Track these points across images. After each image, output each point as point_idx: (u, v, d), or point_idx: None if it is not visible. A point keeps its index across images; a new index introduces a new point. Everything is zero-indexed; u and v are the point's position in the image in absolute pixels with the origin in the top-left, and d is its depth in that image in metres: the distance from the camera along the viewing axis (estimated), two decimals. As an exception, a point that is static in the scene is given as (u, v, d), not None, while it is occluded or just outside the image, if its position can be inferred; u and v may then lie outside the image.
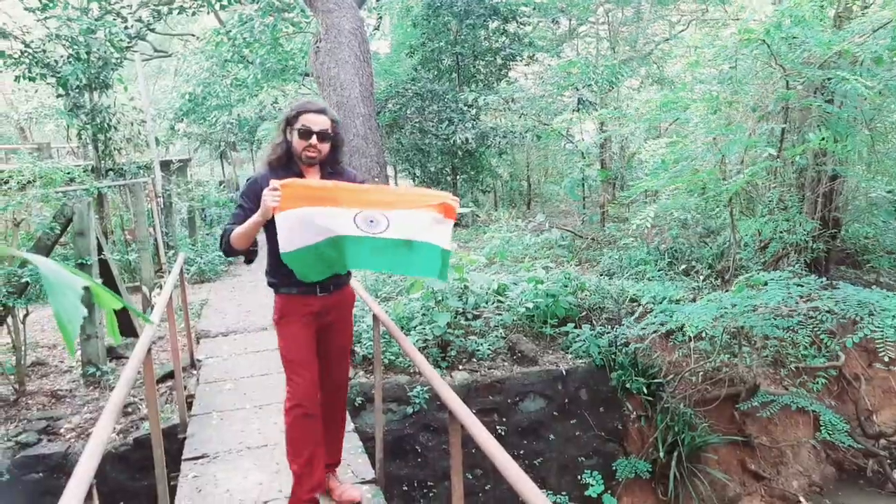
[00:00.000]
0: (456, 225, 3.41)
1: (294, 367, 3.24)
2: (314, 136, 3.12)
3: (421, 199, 3.05)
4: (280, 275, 3.17)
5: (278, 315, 3.29)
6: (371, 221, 2.98)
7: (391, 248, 3.01)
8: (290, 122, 3.18)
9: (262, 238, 3.14)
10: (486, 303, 7.25)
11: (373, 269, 3.42)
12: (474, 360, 6.28)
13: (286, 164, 3.20)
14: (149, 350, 3.32)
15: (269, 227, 2.99)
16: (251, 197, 3.10)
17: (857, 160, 8.36)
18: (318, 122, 3.14)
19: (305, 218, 2.91)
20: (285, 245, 2.93)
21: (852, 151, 7.12)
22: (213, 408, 4.94)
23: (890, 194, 9.73)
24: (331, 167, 3.28)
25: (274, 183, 2.90)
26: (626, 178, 13.67)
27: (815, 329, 5.99)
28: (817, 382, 7.14)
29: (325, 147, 3.19)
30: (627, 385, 6.45)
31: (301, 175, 3.18)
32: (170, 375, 5.59)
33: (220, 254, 11.13)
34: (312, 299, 3.23)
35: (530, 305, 6.77)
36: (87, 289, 1.09)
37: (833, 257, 9.17)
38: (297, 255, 2.97)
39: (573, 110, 12.39)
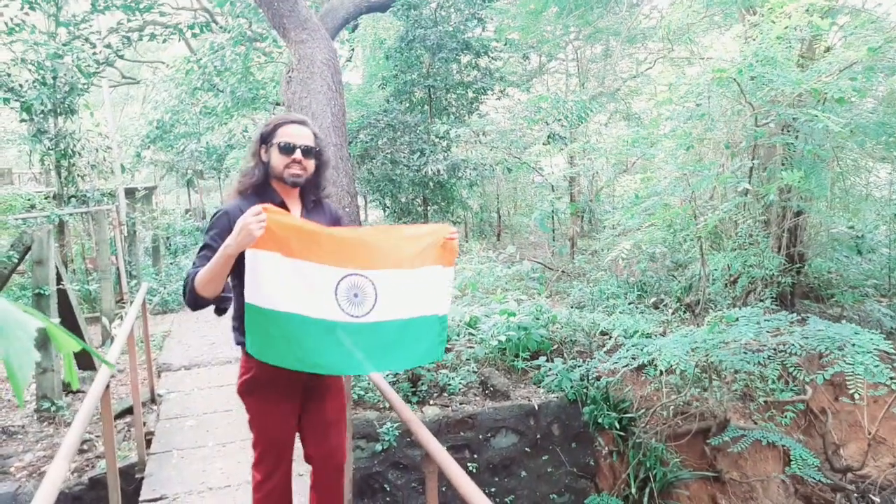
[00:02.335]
0: None
1: (267, 447, 2.67)
2: (298, 151, 2.61)
3: (416, 248, 2.60)
4: None
5: (247, 386, 2.61)
6: (355, 296, 2.48)
7: (378, 338, 2.51)
8: (265, 139, 2.66)
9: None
10: (458, 335, 7.17)
11: (354, 373, 2.83)
12: (445, 394, 6.18)
13: (262, 190, 2.65)
14: (107, 385, 3.17)
15: (240, 263, 2.36)
16: (221, 235, 2.43)
17: (820, 197, 8.55)
18: (301, 136, 2.64)
19: (280, 270, 2.38)
20: (252, 295, 2.35)
21: (816, 188, 7.27)
22: (173, 446, 4.75)
23: (851, 230, 9.96)
24: (314, 195, 2.76)
25: (256, 207, 2.30)
26: (595, 211, 13.81)
27: (784, 363, 6.03)
28: (785, 416, 7.17)
29: (311, 164, 2.67)
30: (599, 420, 6.39)
31: (282, 203, 2.63)
32: (129, 411, 5.38)
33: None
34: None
35: (502, 338, 6.71)
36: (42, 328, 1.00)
37: (798, 291, 9.30)
38: (262, 315, 2.37)
39: (543, 143, 12.51)
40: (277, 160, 2.61)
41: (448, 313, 2.72)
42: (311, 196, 2.76)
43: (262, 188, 2.65)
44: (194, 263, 2.48)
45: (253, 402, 2.63)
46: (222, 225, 2.51)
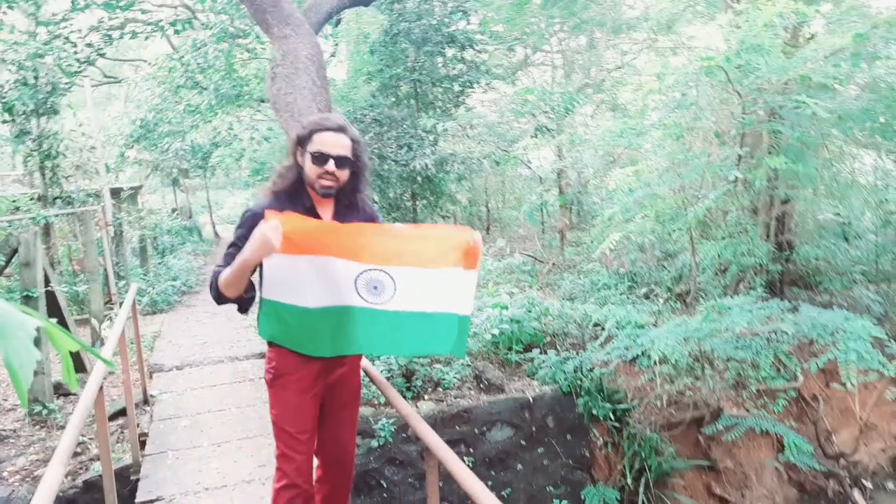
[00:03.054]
0: None
1: (288, 441, 2.66)
2: (331, 162, 2.55)
3: (438, 250, 2.60)
4: None
5: (271, 375, 2.69)
6: (375, 288, 2.52)
7: (396, 324, 2.56)
8: (301, 142, 2.61)
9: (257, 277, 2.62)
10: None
11: (372, 353, 2.84)
12: (440, 389, 6.16)
13: (295, 193, 2.64)
14: (101, 388, 3.13)
15: (261, 265, 2.47)
16: (248, 235, 2.45)
17: (807, 184, 8.59)
18: (337, 145, 2.56)
19: (297, 269, 2.44)
20: (269, 291, 2.47)
21: (804, 176, 7.30)
22: (168, 446, 4.71)
23: (837, 217, 10.02)
24: (348, 199, 2.73)
25: (270, 216, 2.34)
26: (584, 203, 13.83)
27: (776, 350, 6.06)
28: (777, 404, 7.21)
29: (345, 174, 2.61)
30: (594, 411, 6.40)
31: (312, 208, 2.64)
32: (122, 413, 5.33)
33: (173, 283, 10.88)
34: (315, 357, 2.66)
35: (496, 332, 6.69)
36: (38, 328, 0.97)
37: (787, 279, 9.35)
38: (276, 308, 2.50)
39: (531, 136, 12.51)
40: (310, 168, 2.57)
41: (470, 315, 2.72)
42: (345, 201, 2.73)
43: (294, 191, 2.64)
44: (221, 262, 2.55)
45: (274, 393, 2.69)
46: (250, 225, 2.49)
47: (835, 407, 8.05)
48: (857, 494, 7.17)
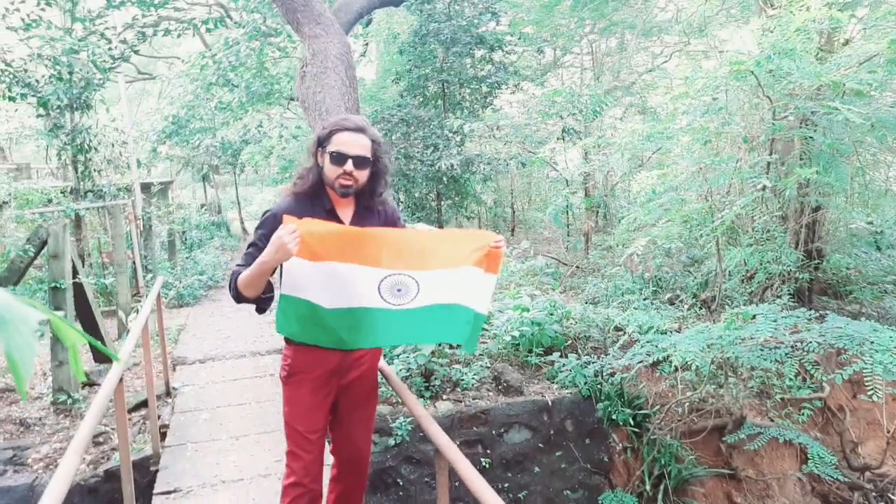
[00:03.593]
0: None
1: (298, 440, 2.69)
2: (349, 162, 2.55)
3: (461, 252, 2.61)
4: None
5: (286, 372, 2.72)
6: (398, 291, 2.53)
7: (416, 318, 2.56)
8: (321, 143, 2.62)
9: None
10: (471, 331, 7.13)
11: (390, 345, 2.82)
12: (458, 389, 6.16)
13: (315, 195, 2.64)
14: (121, 379, 3.18)
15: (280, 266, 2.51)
16: (268, 236, 2.47)
17: (839, 192, 8.44)
18: (356, 145, 2.57)
19: (317, 274, 2.45)
20: (287, 288, 2.48)
21: (835, 183, 7.17)
22: (187, 439, 4.78)
23: (870, 225, 9.82)
24: (368, 201, 2.73)
25: (288, 221, 2.34)
26: (610, 206, 13.73)
27: (801, 360, 5.96)
28: (802, 414, 7.08)
29: (363, 175, 2.62)
30: (613, 416, 6.35)
31: (332, 209, 2.65)
32: (144, 404, 5.41)
33: (200, 277, 11.02)
34: (331, 353, 2.65)
35: (516, 334, 6.67)
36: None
37: (816, 288, 9.19)
38: (294, 304, 2.50)
39: (558, 138, 12.45)
40: (329, 169, 2.59)
41: (486, 315, 2.74)
42: (365, 202, 2.73)
43: (315, 192, 2.65)
44: (241, 261, 2.58)
45: (287, 391, 2.72)
46: (270, 226, 2.52)
47: (861, 418, 7.89)
48: (882, 509, 7.02)
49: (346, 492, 2.97)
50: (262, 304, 2.61)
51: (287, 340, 2.69)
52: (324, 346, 2.60)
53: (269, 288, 2.57)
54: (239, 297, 2.54)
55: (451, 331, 2.65)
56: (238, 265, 2.56)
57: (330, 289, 2.47)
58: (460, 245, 2.64)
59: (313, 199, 2.63)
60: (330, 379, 2.70)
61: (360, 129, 2.61)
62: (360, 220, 2.70)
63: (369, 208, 2.74)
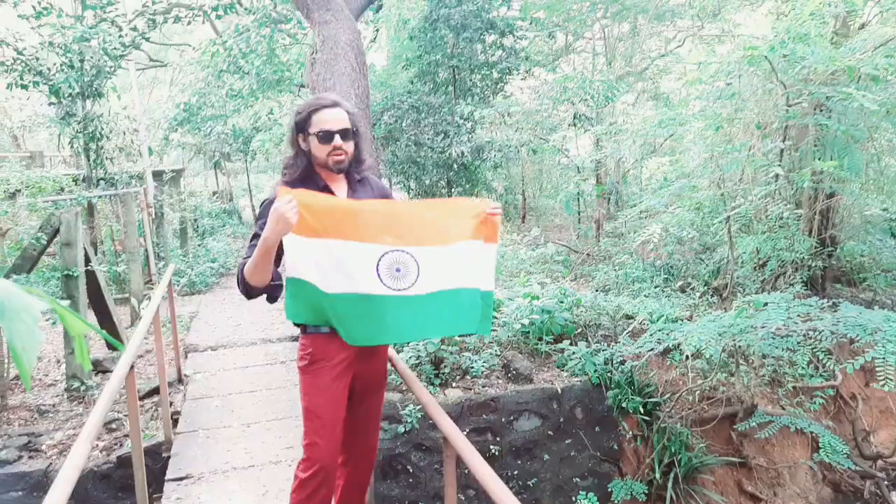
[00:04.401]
0: None
1: (319, 428, 2.65)
2: (336, 137, 2.58)
3: (458, 222, 2.60)
4: None
5: (306, 361, 2.67)
6: (398, 270, 2.50)
7: (422, 308, 2.54)
8: (301, 127, 2.63)
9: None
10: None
11: (401, 341, 2.77)
12: (468, 377, 6.17)
13: (306, 179, 2.65)
14: (132, 367, 3.20)
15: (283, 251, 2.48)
16: None
17: (853, 178, 8.35)
18: (337, 120, 2.60)
19: (316, 253, 2.42)
20: (291, 269, 2.45)
21: (850, 170, 7.09)
22: (199, 425, 4.81)
23: (885, 212, 9.71)
24: (357, 173, 2.76)
25: (284, 192, 2.33)
26: (622, 193, 13.65)
27: (813, 348, 5.91)
28: (814, 402, 7.05)
29: (351, 146, 2.66)
30: (623, 404, 6.34)
31: (326, 187, 2.67)
32: (156, 391, 5.45)
33: (211, 265, 11.07)
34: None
35: (526, 322, 6.66)
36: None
37: (829, 275, 9.11)
38: (301, 286, 2.45)
39: (569, 125, 12.37)
40: (318, 150, 2.61)
41: (493, 290, 2.70)
42: (356, 175, 2.76)
43: (306, 176, 2.65)
44: (245, 254, 2.53)
45: (307, 380, 2.68)
46: (268, 214, 2.50)
47: (874, 407, 7.85)
48: (894, 496, 6.99)
49: (355, 477, 2.98)
50: (272, 291, 2.58)
51: (303, 329, 2.67)
52: (318, 326, 2.60)
53: (277, 275, 2.54)
54: (248, 291, 2.51)
55: (460, 320, 2.62)
56: (243, 259, 2.52)
57: (327, 270, 2.44)
58: (457, 215, 2.63)
59: (306, 184, 2.61)
60: (350, 366, 2.68)
61: (335, 104, 2.64)
62: (354, 194, 2.73)
63: (361, 181, 2.78)
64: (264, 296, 2.60)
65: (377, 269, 2.48)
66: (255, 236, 2.51)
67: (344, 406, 2.72)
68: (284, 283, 2.56)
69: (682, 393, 6.59)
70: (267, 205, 2.56)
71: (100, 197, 9.16)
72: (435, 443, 5.62)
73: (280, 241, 2.37)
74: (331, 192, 2.66)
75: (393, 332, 2.58)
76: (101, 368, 6.15)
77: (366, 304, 2.47)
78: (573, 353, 6.55)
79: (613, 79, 11.48)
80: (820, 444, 6.46)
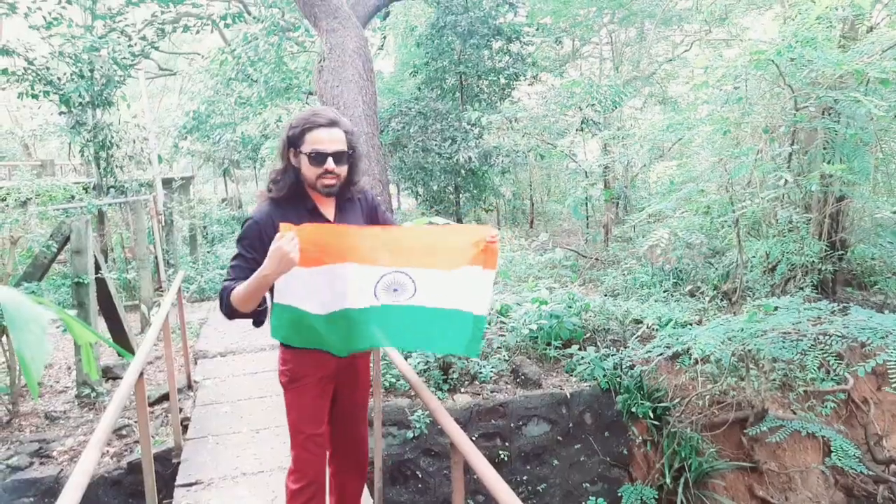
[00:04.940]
0: None
1: (306, 442, 2.64)
2: (329, 160, 2.42)
3: (458, 249, 2.56)
4: None
5: (287, 378, 2.62)
6: (395, 290, 2.50)
7: (410, 317, 2.54)
8: (293, 142, 2.46)
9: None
10: (489, 324, 7.14)
11: (385, 346, 2.80)
12: (477, 382, 6.17)
13: (294, 196, 2.51)
14: (141, 374, 3.22)
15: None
16: (253, 244, 2.40)
17: (863, 181, 8.30)
18: (332, 141, 2.43)
19: (316, 282, 2.38)
20: (280, 296, 2.39)
21: (859, 173, 7.05)
22: (208, 431, 4.83)
23: (895, 215, 9.64)
24: (347, 193, 2.62)
25: (285, 229, 2.19)
26: (630, 197, 13.62)
27: (824, 352, 5.88)
28: (826, 406, 7.00)
29: (345, 169, 2.51)
30: (633, 409, 6.32)
31: (315, 209, 2.54)
32: (166, 397, 5.48)
33: (221, 271, 11.11)
34: (330, 357, 2.55)
35: (534, 327, 6.66)
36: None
37: (840, 279, 9.06)
38: (289, 312, 2.42)
39: (577, 130, 12.37)
40: (309, 170, 2.45)
41: (486, 315, 2.66)
42: (346, 195, 2.62)
43: (293, 194, 2.51)
44: (228, 276, 2.41)
45: (290, 397, 2.64)
46: (252, 234, 2.43)
47: (886, 411, 7.78)
48: (908, 502, 6.92)
49: (348, 481, 2.95)
50: (258, 316, 2.48)
51: (283, 344, 2.59)
52: (322, 350, 2.53)
53: (263, 300, 2.42)
54: (232, 314, 2.37)
55: (448, 341, 2.62)
56: (227, 280, 2.37)
57: (324, 294, 2.40)
58: (457, 241, 2.59)
59: (294, 202, 2.50)
60: (332, 380, 2.68)
61: (333, 124, 2.47)
62: (343, 214, 2.63)
63: (350, 199, 2.65)
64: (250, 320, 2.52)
65: (375, 289, 2.48)
66: (239, 256, 2.42)
67: (327, 414, 2.72)
68: (270, 308, 2.49)
69: (692, 397, 6.56)
70: (252, 225, 2.46)
71: (110, 205, 9.23)
72: (443, 448, 5.62)
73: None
74: (319, 213, 2.56)
75: (378, 337, 2.56)
76: (111, 375, 6.19)
77: (355, 316, 2.47)
78: (582, 357, 6.53)
79: (621, 83, 11.48)
80: (832, 449, 6.41)
